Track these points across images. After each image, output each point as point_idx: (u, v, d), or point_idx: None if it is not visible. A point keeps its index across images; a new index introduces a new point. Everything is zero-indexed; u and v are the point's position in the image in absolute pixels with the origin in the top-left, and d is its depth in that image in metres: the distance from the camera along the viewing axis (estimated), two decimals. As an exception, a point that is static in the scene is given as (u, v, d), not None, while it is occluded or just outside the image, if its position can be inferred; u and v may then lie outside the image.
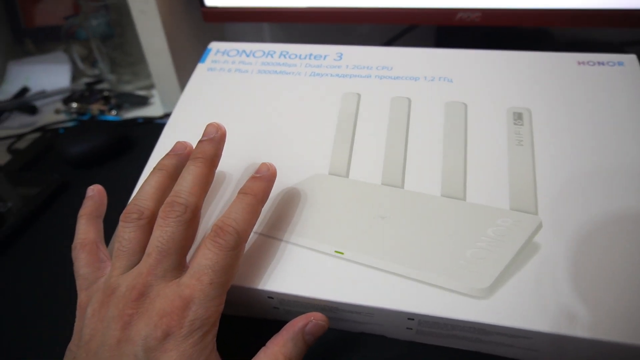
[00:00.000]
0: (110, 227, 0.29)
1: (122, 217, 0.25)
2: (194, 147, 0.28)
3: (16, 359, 0.30)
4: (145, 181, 0.26)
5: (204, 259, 0.23)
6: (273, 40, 0.68)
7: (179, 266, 0.23)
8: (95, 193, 0.29)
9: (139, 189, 0.26)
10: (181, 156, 0.27)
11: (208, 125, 0.28)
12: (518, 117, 0.30)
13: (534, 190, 0.27)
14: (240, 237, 0.23)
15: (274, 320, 0.29)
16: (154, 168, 0.27)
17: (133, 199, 0.25)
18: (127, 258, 0.23)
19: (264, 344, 0.24)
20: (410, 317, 0.24)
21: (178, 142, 0.28)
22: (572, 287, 0.23)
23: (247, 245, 0.27)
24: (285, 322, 0.26)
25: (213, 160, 0.26)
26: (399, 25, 0.59)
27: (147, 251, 0.23)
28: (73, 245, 0.26)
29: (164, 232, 0.23)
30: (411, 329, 0.26)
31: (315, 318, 0.24)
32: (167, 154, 0.28)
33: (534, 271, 0.24)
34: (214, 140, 0.27)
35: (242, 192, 0.25)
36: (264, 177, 0.26)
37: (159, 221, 0.24)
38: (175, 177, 0.26)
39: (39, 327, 0.32)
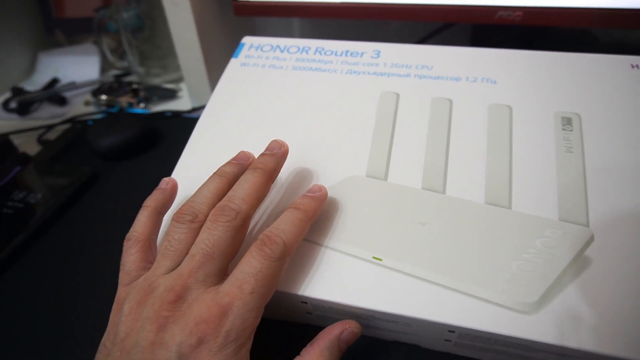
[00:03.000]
0: (130, 221, 0.27)
1: (174, 216, 0.24)
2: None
3: (46, 350, 0.30)
4: (204, 185, 0.26)
5: (248, 266, 0.22)
6: (302, 36, 0.67)
7: (221, 273, 0.23)
8: (169, 187, 0.28)
9: (196, 192, 0.25)
10: (243, 166, 0.27)
11: (272, 141, 0.27)
12: (567, 122, 0.28)
13: (584, 200, 0.25)
14: (287, 249, 0.23)
15: (306, 324, 0.28)
16: (214, 173, 0.26)
17: (188, 200, 0.25)
18: (172, 259, 0.23)
19: (294, 347, 0.23)
20: (451, 329, 0.23)
21: (241, 152, 0.28)
22: (625, 304, 0.22)
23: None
24: (317, 326, 0.26)
25: (272, 173, 0.26)
26: (434, 23, 0.57)
27: (191, 252, 0.23)
28: (128, 236, 0.26)
29: (211, 235, 0.22)
30: (450, 340, 0.25)
31: (350, 326, 0.24)
32: (229, 162, 0.27)
33: (585, 286, 0.23)
34: (277, 155, 0.27)
35: (294, 206, 0.25)
36: (316, 197, 0.26)
37: (207, 224, 0.23)
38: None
39: (68, 319, 0.32)
